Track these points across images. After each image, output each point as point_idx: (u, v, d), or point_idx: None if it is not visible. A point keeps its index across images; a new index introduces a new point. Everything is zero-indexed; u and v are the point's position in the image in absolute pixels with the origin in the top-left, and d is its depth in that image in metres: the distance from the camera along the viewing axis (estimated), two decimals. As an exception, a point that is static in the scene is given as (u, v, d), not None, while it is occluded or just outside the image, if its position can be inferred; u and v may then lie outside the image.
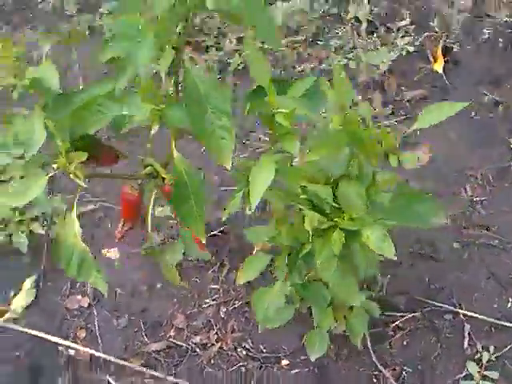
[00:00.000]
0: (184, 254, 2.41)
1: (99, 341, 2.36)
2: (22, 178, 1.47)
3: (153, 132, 1.51)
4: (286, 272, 1.71)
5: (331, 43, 2.90)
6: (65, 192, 2.66)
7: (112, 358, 2.31)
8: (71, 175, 1.48)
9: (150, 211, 1.74)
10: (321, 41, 2.95)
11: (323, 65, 2.86)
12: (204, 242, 1.68)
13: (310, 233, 1.57)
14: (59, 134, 1.44)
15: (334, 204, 1.57)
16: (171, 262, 2.36)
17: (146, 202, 1.82)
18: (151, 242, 1.77)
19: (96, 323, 2.41)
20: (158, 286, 2.46)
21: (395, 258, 1.48)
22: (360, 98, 2.73)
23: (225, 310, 2.35)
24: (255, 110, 1.46)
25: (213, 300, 2.38)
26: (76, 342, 2.37)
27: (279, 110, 1.40)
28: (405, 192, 1.68)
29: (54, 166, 1.46)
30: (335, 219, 1.58)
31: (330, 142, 1.48)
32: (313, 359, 2.03)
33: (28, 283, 2.50)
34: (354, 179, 1.60)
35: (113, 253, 2.55)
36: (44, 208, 2.32)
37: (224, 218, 1.58)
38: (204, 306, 2.38)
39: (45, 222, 2.60)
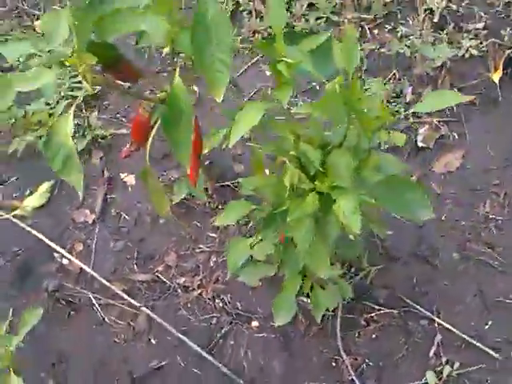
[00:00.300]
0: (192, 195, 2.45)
1: (92, 257, 2.45)
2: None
3: (164, 53, 1.52)
4: (261, 225, 1.71)
5: (398, 29, 2.84)
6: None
7: (98, 277, 2.39)
8: (80, 77, 1.52)
9: (153, 134, 1.77)
10: (389, 24, 2.89)
11: (383, 49, 2.81)
12: (190, 173, 1.70)
13: (288, 188, 1.57)
14: (79, 35, 1.48)
15: (320, 168, 1.56)
16: (175, 198, 2.41)
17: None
18: (145, 167, 1.80)
19: (95, 240, 2.49)
20: (162, 221, 2.51)
21: (358, 233, 1.46)
22: (410, 89, 2.68)
23: (215, 259, 2.38)
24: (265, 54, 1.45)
25: (207, 247, 2.42)
26: (71, 253, 2.47)
27: (284, 59, 1.39)
28: (396, 178, 1.65)
29: (66, 62, 1.50)
30: (316, 182, 1.57)
31: (327, 104, 1.46)
32: (277, 324, 2.05)
33: (44, 186, 2.59)
34: (347, 150, 1.58)
35: (129, 178, 2.61)
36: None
37: (205, 151, 1.58)
38: (197, 250, 2.42)
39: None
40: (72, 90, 2.82)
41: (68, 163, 1.51)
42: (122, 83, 1.93)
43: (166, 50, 1.52)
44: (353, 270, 2.26)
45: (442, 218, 2.38)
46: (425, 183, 2.50)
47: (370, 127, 1.54)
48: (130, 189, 2.60)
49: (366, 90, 2.71)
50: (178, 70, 1.50)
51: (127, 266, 2.43)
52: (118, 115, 2.81)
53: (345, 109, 1.52)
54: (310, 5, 3.01)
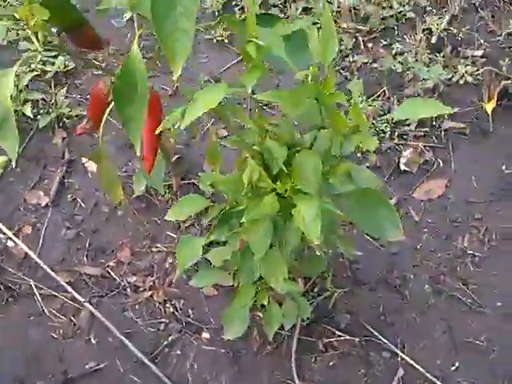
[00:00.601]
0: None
1: (40, 243, 2.27)
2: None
3: (124, 19, 1.37)
4: (214, 224, 1.55)
5: (394, 46, 2.71)
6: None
7: (43, 264, 2.21)
8: (30, 33, 1.36)
9: (107, 112, 1.60)
10: (385, 40, 2.76)
11: (376, 64, 2.68)
12: (143, 156, 1.54)
13: (246, 186, 1.41)
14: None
15: (283, 168, 1.42)
16: (135, 190, 2.24)
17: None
18: (98, 147, 1.63)
19: (45, 225, 2.31)
20: (119, 213, 2.34)
21: (317, 243, 1.31)
22: (399, 109, 2.55)
23: (171, 261, 2.21)
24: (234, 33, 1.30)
25: (164, 246, 2.25)
26: (17, 236, 2.29)
27: (253, 40, 1.25)
28: (368, 192, 1.51)
29: (16, 15, 1.33)
30: (277, 183, 1.42)
31: (297, 95, 1.31)
32: (226, 337, 1.88)
33: (-1, 160, 2.41)
34: (316, 152, 1.44)
35: (90, 164, 2.44)
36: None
37: (157, 132, 1.41)
38: (154, 249, 2.25)
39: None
40: (44, 64, 2.64)
41: (3, 126, 1.34)
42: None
43: (127, 14, 1.35)
44: (316, 289, 2.10)
45: (417, 247, 2.24)
46: (403, 208, 2.36)
47: (341, 129, 1.40)
48: (90, 175, 2.43)
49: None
50: (136, 36, 1.33)
51: (76, 257, 2.25)
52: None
53: (316, 104, 1.38)
54: (306, 9, 2.87)
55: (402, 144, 2.52)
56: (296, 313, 1.85)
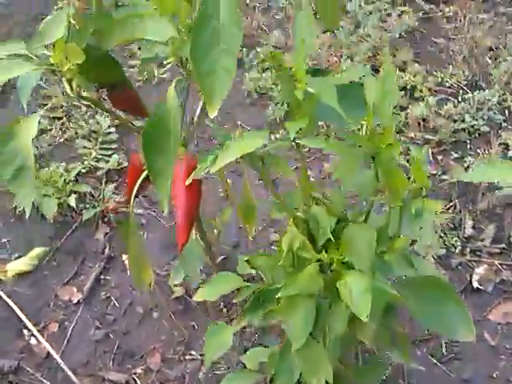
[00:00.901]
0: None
1: (64, 342, 2.06)
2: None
3: (167, 65, 1.24)
4: (246, 307, 1.32)
5: (466, 159, 2.51)
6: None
7: (65, 366, 1.99)
8: (62, 78, 1.24)
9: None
10: (457, 153, 2.57)
11: (446, 176, 2.47)
12: (178, 224, 1.35)
13: (284, 253, 1.19)
14: (76, 35, 1.22)
15: (331, 237, 1.20)
16: (173, 283, 2.03)
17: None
18: (128, 220, 1.46)
19: (73, 323, 2.11)
20: (155, 315, 2.12)
21: (365, 320, 1.07)
22: (471, 223, 2.31)
23: (205, 371, 1.95)
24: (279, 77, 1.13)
25: (200, 354, 2.00)
26: (42, 334, 2.08)
27: (302, 85, 1.08)
28: (434, 281, 1.26)
29: (51, 60, 1.22)
30: (322, 254, 1.20)
31: (346, 146, 1.12)
32: None
33: (35, 252, 2.27)
34: (370, 226, 1.22)
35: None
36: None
37: (187, 182, 1.23)
38: (187, 356, 2.01)
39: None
40: (98, 161, 2.56)
41: (21, 174, 1.20)
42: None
43: (171, 60, 1.22)
44: None
45: (494, 375, 1.92)
46: (476, 330, 2.05)
47: (400, 191, 1.18)
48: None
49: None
50: (174, 82, 1.19)
51: (102, 361, 2.02)
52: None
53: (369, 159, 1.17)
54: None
55: (474, 260, 2.25)
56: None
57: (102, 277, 2.23)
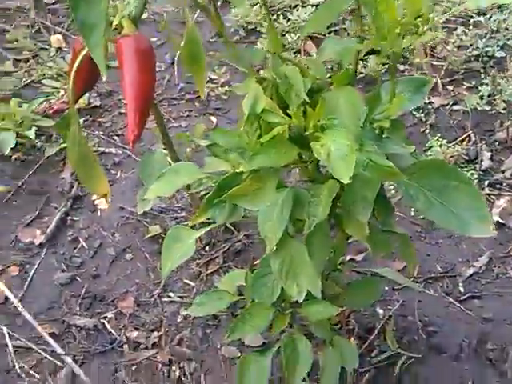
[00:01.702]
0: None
1: (24, 287, 1.79)
2: None
3: None
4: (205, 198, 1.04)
5: (481, 88, 2.24)
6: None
7: (24, 311, 1.71)
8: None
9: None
10: (469, 82, 2.29)
11: (458, 106, 2.20)
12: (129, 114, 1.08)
13: (245, 115, 0.93)
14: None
15: (306, 99, 0.94)
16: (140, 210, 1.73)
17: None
18: (68, 112, 1.19)
19: (35, 267, 1.84)
20: (128, 256, 1.85)
21: (346, 182, 0.80)
22: (489, 155, 2.04)
23: (185, 313, 1.68)
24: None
25: (178, 296, 1.73)
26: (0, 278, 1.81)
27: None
28: (445, 166, 1.00)
29: None
30: (293, 119, 0.93)
31: None
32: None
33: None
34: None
35: (102, 202, 1.99)
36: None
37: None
38: (165, 299, 1.74)
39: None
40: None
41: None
42: None
43: None
44: (374, 353, 1.51)
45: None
46: (498, 267, 1.78)
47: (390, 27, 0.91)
48: (99, 213, 1.97)
49: (426, 150, 2.08)
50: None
51: (67, 306, 1.74)
52: (111, 133, 2.24)
53: None
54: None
55: (494, 194, 1.97)
56: (338, 361, 1.26)
57: (68, 217, 1.96)
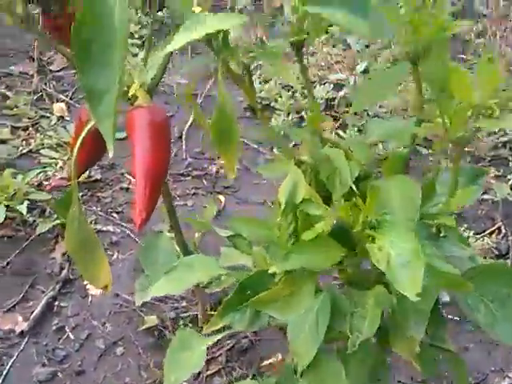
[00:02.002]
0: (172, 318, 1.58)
1: (-1, 383, 1.57)
2: None
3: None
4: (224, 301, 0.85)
5: (509, 177, 2.07)
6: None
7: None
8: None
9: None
10: (497, 170, 2.13)
11: (487, 195, 2.03)
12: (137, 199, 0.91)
13: (281, 206, 0.75)
14: None
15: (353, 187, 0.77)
16: (138, 301, 1.53)
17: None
18: (70, 190, 1.02)
19: (12, 359, 1.62)
20: (119, 350, 1.64)
21: (414, 299, 0.61)
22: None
23: None
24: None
25: None
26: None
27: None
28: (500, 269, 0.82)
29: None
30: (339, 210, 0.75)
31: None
32: None
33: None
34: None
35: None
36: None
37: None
38: None
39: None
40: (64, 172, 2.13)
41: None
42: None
43: None
44: None
45: None
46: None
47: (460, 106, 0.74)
48: (90, 299, 1.77)
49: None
50: None
51: (46, 405, 1.53)
52: (110, 209, 2.06)
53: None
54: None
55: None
56: None
57: (55, 303, 1.76)
